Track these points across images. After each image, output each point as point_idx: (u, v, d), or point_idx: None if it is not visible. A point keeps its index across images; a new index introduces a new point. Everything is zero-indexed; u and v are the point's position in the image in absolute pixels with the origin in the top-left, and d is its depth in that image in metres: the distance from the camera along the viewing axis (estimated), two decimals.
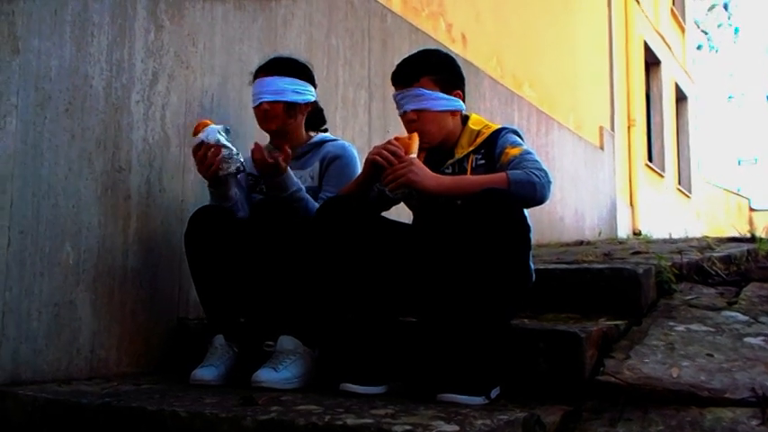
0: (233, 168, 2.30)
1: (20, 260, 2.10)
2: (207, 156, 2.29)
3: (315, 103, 2.56)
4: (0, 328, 2.04)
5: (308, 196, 2.37)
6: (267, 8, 3.11)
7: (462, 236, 1.96)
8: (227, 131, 2.33)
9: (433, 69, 2.24)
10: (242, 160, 2.33)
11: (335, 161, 2.47)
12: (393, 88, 2.30)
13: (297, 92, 2.45)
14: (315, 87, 2.55)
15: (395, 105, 2.31)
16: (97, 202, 2.33)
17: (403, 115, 2.25)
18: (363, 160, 2.23)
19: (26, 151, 2.12)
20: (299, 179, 2.40)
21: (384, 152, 2.10)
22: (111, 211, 2.38)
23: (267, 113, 2.43)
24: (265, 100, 2.43)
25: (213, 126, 2.32)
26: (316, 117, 2.61)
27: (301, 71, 2.52)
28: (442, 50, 2.42)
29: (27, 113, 2.13)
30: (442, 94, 2.21)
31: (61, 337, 2.20)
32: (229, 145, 2.30)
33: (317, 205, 2.32)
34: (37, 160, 2.15)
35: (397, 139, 2.16)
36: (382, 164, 2.10)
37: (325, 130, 2.65)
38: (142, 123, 2.50)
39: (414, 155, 2.10)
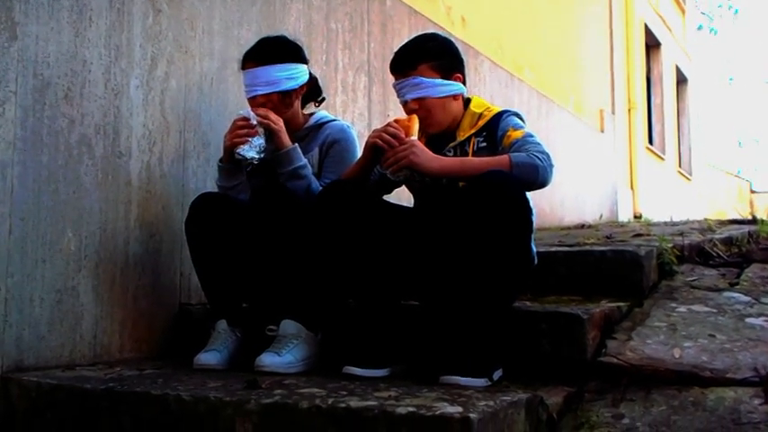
0: (250, 155, 2.28)
1: (21, 247, 2.10)
2: (242, 128, 2.30)
3: (309, 79, 2.50)
4: (3, 314, 2.04)
5: (313, 177, 2.36)
6: None
7: (464, 218, 1.95)
8: (267, 139, 2.33)
9: (431, 55, 2.21)
10: (260, 157, 2.31)
11: (335, 145, 2.44)
12: (390, 62, 2.28)
13: (291, 77, 2.40)
14: (307, 63, 2.49)
15: (393, 81, 2.29)
16: (98, 188, 2.33)
17: (404, 104, 2.23)
18: (363, 144, 2.22)
19: (26, 138, 2.12)
20: None
21: (384, 135, 2.10)
22: (112, 196, 2.37)
23: (263, 106, 2.38)
24: (260, 93, 2.38)
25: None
26: (312, 91, 2.56)
27: (292, 53, 2.45)
28: (438, 34, 2.39)
29: (26, 100, 2.12)
30: (441, 80, 2.19)
31: (64, 324, 2.21)
32: (263, 141, 2.31)
33: (319, 187, 2.32)
34: (37, 147, 2.15)
35: (396, 121, 2.15)
36: (383, 146, 2.09)
37: (323, 100, 2.61)
38: (142, 108, 2.49)
39: (414, 137, 2.09)
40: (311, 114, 2.54)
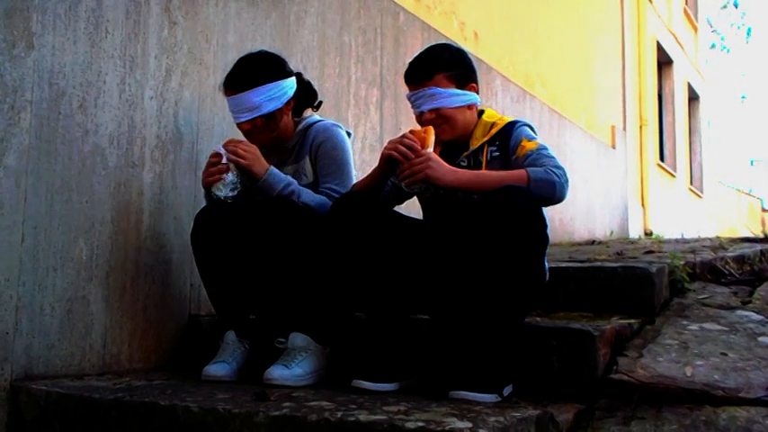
0: (223, 194, 2.26)
1: (33, 255, 2.11)
2: (214, 167, 2.28)
3: (298, 88, 2.45)
4: (13, 322, 2.05)
5: (300, 188, 2.30)
6: (280, 5, 3.11)
7: (479, 232, 1.94)
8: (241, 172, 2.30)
9: (447, 66, 2.20)
10: (236, 192, 2.28)
11: (320, 147, 2.39)
12: (406, 86, 2.27)
13: (272, 98, 2.35)
14: (291, 76, 2.43)
15: (407, 103, 2.29)
16: (110, 197, 2.34)
17: (419, 115, 2.22)
18: (375, 155, 2.22)
19: (40, 147, 2.13)
20: (294, 175, 2.37)
21: (400, 147, 2.07)
22: (124, 206, 2.38)
23: (249, 132, 2.37)
24: (243, 120, 2.36)
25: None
26: (304, 96, 2.51)
27: (270, 72, 2.38)
28: (451, 44, 2.38)
29: (41, 109, 2.14)
30: (457, 90, 2.19)
31: (74, 333, 2.21)
32: (235, 177, 2.28)
33: (314, 195, 2.30)
34: (51, 156, 2.16)
35: (412, 132, 2.12)
36: (398, 158, 2.07)
37: (320, 104, 2.58)
38: (155, 120, 2.50)
39: (430, 148, 2.08)
40: (301, 120, 2.50)
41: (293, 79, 2.44)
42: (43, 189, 2.14)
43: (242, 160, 2.28)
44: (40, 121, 2.13)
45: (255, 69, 2.38)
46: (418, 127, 2.23)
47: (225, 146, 2.30)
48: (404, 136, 2.10)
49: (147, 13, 2.48)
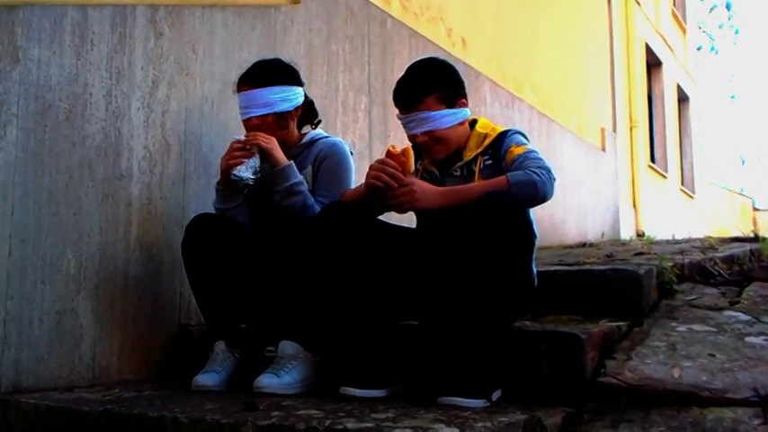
0: (245, 175, 2.30)
1: (21, 268, 2.11)
2: (238, 151, 2.32)
3: (304, 101, 2.52)
4: (2, 336, 2.05)
5: (308, 193, 2.36)
6: (266, 15, 3.12)
7: (463, 240, 1.96)
8: (262, 160, 2.36)
9: (435, 87, 2.18)
10: (256, 177, 2.32)
11: (325, 161, 2.44)
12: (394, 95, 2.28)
13: (285, 99, 2.43)
14: (302, 86, 2.52)
15: (396, 110, 2.29)
16: (98, 209, 2.34)
17: (412, 137, 2.22)
18: (362, 164, 2.22)
19: (27, 159, 2.13)
20: None
21: (383, 176, 2.09)
22: (113, 218, 2.38)
23: (258, 128, 2.40)
24: (254, 115, 2.40)
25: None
26: (307, 112, 2.57)
27: (287, 75, 2.48)
28: (437, 59, 2.35)
29: (27, 122, 2.14)
30: (448, 111, 2.18)
31: (63, 345, 2.21)
32: (258, 164, 2.33)
33: (315, 204, 2.32)
34: (38, 168, 2.16)
35: (391, 155, 2.12)
36: (382, 188, 2.10)
37: (319, 122, 2.62)
38: (142, 130, 2.51)
39: (411, 171, 2.11)
40: (306, 133, 2.55)
41: (302, 90, 2.51)
42: (30, 202, 2.14)
43: (264, 143, 2.33)
44: (27, 135, 2.14)
45: (274, 70, 2.47)
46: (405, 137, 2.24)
47: (245, 136, 2.37)
48: (384, 162, 2.11)
49: (133, 24, 2.49)
